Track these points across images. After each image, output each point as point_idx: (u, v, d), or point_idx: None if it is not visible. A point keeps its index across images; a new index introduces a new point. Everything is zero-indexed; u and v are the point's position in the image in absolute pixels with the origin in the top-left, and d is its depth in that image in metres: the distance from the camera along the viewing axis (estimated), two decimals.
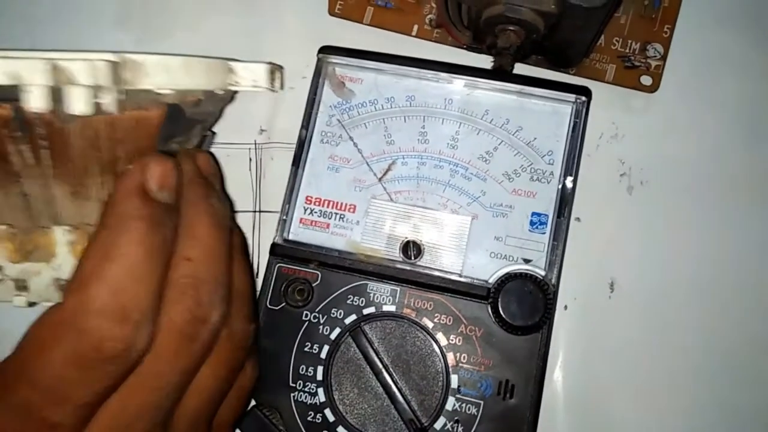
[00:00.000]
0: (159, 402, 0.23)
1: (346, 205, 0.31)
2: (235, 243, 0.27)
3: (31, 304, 0.28)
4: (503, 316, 0.29)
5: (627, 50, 0.33)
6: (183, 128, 0.29)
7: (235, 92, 0.32)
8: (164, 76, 0.27)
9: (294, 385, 0.29)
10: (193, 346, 0.24)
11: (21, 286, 0.28)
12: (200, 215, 0.25)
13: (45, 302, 0.28)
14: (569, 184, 0.30)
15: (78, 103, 0.24)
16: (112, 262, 0.22)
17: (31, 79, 0.24)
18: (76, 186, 0.27)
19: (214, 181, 0.28)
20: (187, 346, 0.23)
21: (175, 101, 0.28)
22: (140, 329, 0.22)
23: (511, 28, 0.28)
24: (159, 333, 0.23)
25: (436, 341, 0.29)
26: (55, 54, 0.24)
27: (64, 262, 0.28)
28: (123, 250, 0.22)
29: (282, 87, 0.33)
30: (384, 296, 0.30)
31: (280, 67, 0.32)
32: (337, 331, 0.30)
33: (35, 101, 0.24)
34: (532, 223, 0.30)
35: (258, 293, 0.31)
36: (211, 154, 0.32)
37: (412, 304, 0.30)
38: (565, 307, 0.33)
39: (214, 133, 0.34)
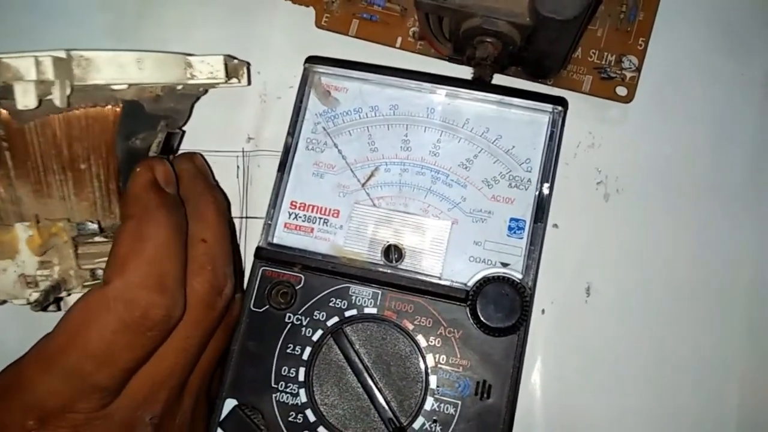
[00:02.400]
0: (184, 363, 0.27)
1: (329, 210, 0.32)
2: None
3: (1, 302, 0.29)
4: (481, 318, 0.30)
5: (603, 62, 0.34)
6: (145, 125, 0.30)
7: (203, 90, 0.33)
8: (115, 71, 0.27)
9: (276, 386, 0.30)
10: (212, 313, 0.27)
11: None
12: (208, 204, 0.30)
13: (13, 300, 0.29)
14: (546, 190, 0.31)
15: (24, 98, 0.25)
16: (144, 242, 0.26)
17: None
18: (38, 185, 0.28)
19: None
20: (208, 313, 0.27)
21: (133, 97, 0.28)
22: (176, 297, 0.26)
23: (489, 39, 0.29)
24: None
25: (416, 343, 0.30)
26: (1, 54, 0.25)
27: (28, 259, 0.28)
28: (152, 232, 0.26)
29: (249, 83, 0.34)
30: (366, 299, 0.31)
31: (246, 63, 0.33)
32: (320, 333, 0.30)
33: None
34: (510, 228, 0.31)
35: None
36: (202, 157, 0.34)
37: (393, 307, 0.31)
38: (543, 311, 0.34)
39: (183, 132, 0.35)
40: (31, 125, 0.26)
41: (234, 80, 0.31)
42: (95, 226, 0.29)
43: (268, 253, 0.31)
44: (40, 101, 0.25)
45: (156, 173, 0.28)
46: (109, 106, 0.28)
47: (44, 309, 0.28)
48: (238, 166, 0.36)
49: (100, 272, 0.29)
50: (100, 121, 0.27)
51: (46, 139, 0.27)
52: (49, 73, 0.25)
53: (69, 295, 0.29)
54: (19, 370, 0.25)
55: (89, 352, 0.24)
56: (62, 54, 0.26)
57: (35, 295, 0.27)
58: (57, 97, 0.26)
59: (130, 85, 0.28)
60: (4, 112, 0.26)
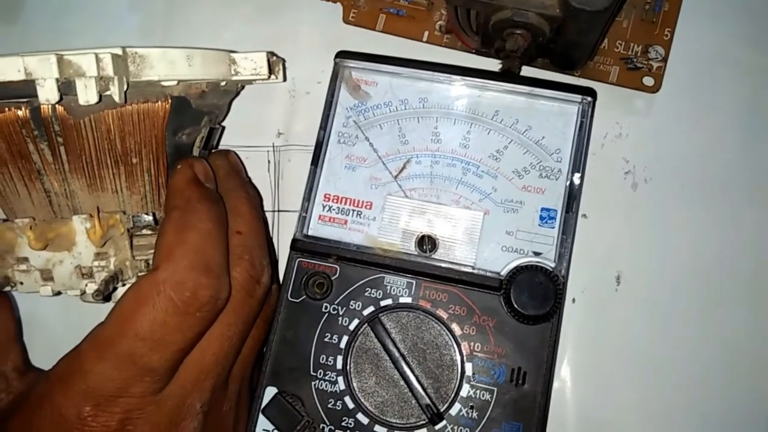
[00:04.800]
0: (228, 350, 0.28)
1: (363, 202, 0.33)
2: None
3: (56, 294, 0.30)
4: (515, 306, 0.30)
5: (629, 53, 0.35)
6: (190, 120, 0.31)
7: (241, 86, 0.33)
8: (167, 67, 0.28)
9: (315, 374, 0.31)
10: (252, 301, 0.28)
11: (46, 276, 0.29)
12: (241, 199, 0.31)
13: (69, 291, 0.30)
14: (576, 180, 0.32)
15: (86, 94, 0.26)
16: (189, 232, 0.27)
17: (43, 73, 0.26)
18: (92, 179, 0.29)
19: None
20: (248, 300, 0.28)
21: (180, 93, 0.29)
22: (221, 279, 0.27)
23: (519, 31, 0.30)
24: None
25: (451, 331, 0.31)
26: (63, 51, 0.26)
27: (84, 250, 0.29)
28: (195, 222, 0.27)
29: (285, 79, 0.35)
30: (400, 288, 0.31)
31: (282, 60, 0.33)
32: (356, 322, 0.31)
33: (47, 94, 0.26)
34: (541, 218, 0.32)
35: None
36: (236, 154, 0.34)
37: (427, 296, 0.31)
38: (573, 300, 0.34)
39: (222, 127, 0.35)
40: (86, 120, 0.27)
41: (272, 76, 0.32)
42: (150, 218, 0.30)
43: (303, 245, 0.32)
44: (100, 96, 0.26)
45: (195, 170, 0.30)
46: (159, 102, 0.28)
47: (106, 299, 0.28)
48: (269, 161, 0.37)
49: None
50: (151, 116, 0.28)
51: (101, 134, 0.28)
52: (109, 70, 0.26)
53: (123, 285, 0.29)
54: (74, 358, 0.26)
55: (141, 335, 0.25)
56: (118, 51, 0.27)
57: (92, 286, 0.28)
58: (116, 93, 0.27)
59: (179, 81, 0.28)
60: (60, 108, 0.27)
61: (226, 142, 0.36)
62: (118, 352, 0.25)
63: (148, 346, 0.25)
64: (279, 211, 0.36)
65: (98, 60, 0.26)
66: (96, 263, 0.29)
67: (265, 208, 0.36)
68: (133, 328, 0.25)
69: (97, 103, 0.26)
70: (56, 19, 0.39)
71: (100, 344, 0.26)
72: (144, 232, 0.30)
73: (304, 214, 0.33)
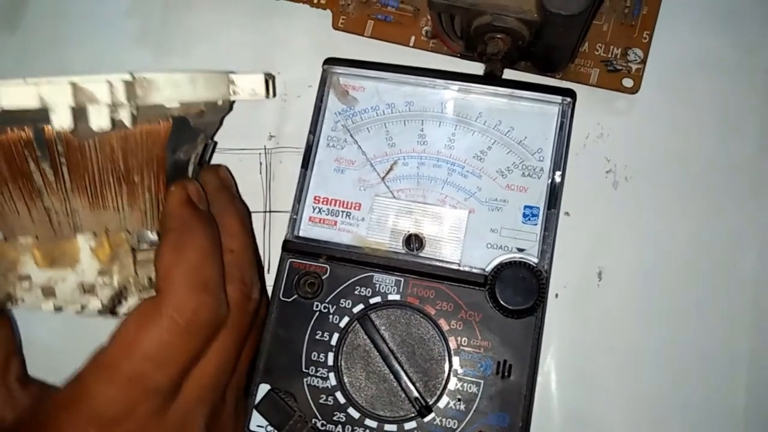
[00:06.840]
0: (226, 367, 0.29)
1: (351, 203, 0.34)
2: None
3: (58, 309, 0.30)
4: (500, 301, 0.31)
5: (609, 55, 0.36)
6: (188, 138, 0.32)
7: (233, 102, 0.34)
8: (172, 90, 0.29)
9: (307, 370, 0.32)
10: (245, 317, 0.29)
11: (48, 292, 0.30)
12: (232, 216, 0.32)
13: (71, 306, 0.30)
14: (558, 178, 0.33)
15: (98, 120, 0.27)
16: (185, 252, 0.28)
17: (57, 101, 0.26)
18: (94, 197, 0.29)
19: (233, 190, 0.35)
20: (241, 317, 0.29)
21: (180, 114, 0.30)
22: (219, 298, 0.28)
23: (499, 35, 0.31)
24: None
25: (438, 326, 0.32)
26: (76, 78, 0.27)
27: (88, 267, 0.30)
28: (191, 243, 0.28)
29: (275, 95, 0.36)
30: (389, 286, 0.32)
31: (272, 76, 0.34)
32: (346, 319, 0.32)
33: (61, 121, 0.27)
34: (524, 216, 0.33)
35: (272, 287, 0.33)
36: (227, 168, 0.35)
37: (415, 293, 0.32)
38: (556, 296, 0.35)
39: (215, 142, 0.36)
40: (90, 142, 0.28)
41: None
42: (155, 236, 0.30)
43: (294, 246, 0.33)
44: (113, 122, 0.27)
45: (188, 191, 0.31)
46: (161, 123, 0.29)
47: (112, 313, 0.29)
48: (261, 163, 0.38)
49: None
50: (153, 136, 0.29)
51: (104, 155, 0.28)
52: (121, 96, 0.27)
53: (127, 301, 0.30)
54: (79, 382, 0.27)
55: (147, 356, 0.26)
56: (128, 77, 0.27)
57: (95, 302, 0.29)
58: (126, 118, 0.27)
59: (181, 103, 0.29)
60: (65, 129, 0.27)
61: (219, 146, 0.37)
62: (124, 374, 0.26)
63: (153, 365, 0.26)
64: (270, 211, 0.37)
65: (111, 87, 0.27)
66: (99, 279, 0.29)
67: (257, 209, 0.37)
68: (137, 350, 0.26)
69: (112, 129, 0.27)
70: (56, 26, 0.40)
71: (105, 367, 0.26)
72: (144, 247, 0.31)
73: (294, 216, 0.34)
